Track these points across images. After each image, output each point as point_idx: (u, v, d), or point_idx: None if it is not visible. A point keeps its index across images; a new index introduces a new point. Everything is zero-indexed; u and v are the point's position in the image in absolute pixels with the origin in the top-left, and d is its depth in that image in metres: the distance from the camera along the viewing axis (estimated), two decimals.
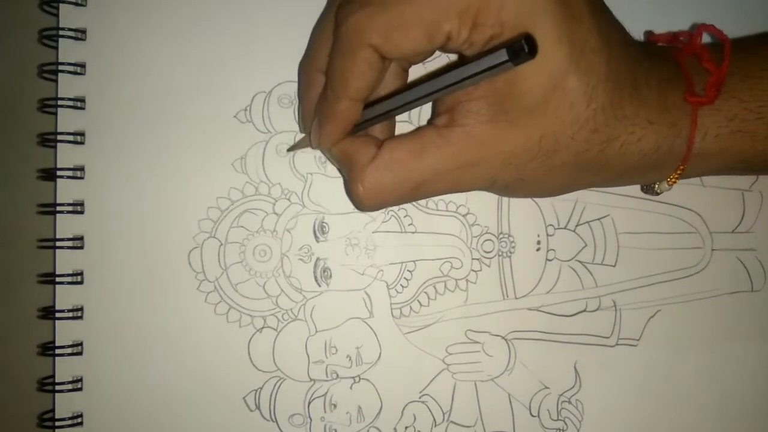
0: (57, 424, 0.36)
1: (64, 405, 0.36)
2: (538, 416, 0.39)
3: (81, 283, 0.36)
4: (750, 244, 0.41)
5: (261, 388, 0.37)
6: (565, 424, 0.39)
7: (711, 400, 0.40)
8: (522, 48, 0.27)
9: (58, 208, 0.36)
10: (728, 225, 0.41)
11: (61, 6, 0.37)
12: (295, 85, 0.38)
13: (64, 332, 0.36)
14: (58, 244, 0.36)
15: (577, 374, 0.40)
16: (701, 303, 0.41)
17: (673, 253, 0.41)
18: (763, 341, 0.41)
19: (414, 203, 0.39)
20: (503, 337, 0.39)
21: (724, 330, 0.41)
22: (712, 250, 0.41)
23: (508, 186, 0.33)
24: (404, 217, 0.39)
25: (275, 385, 0.37)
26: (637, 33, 0.41)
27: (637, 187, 0.39)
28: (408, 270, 0.39)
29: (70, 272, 0.36)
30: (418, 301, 0.39)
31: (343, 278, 0.38)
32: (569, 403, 0.39)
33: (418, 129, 0.32)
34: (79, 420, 0.36)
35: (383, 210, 0.38)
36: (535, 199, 0.40)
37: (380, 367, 0.38)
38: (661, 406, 0.40)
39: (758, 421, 0.41)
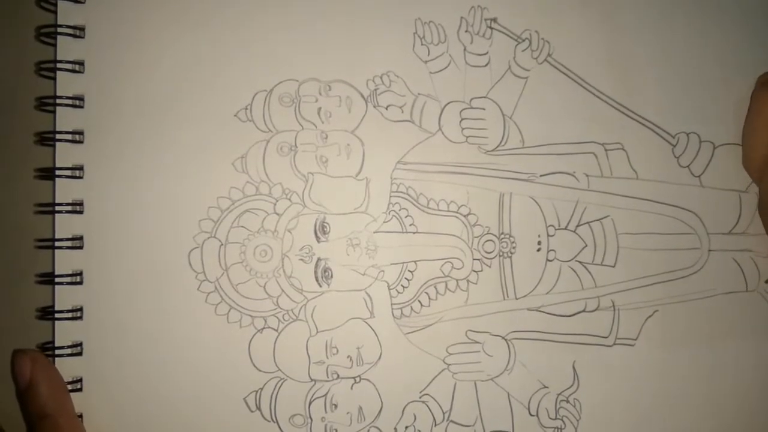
0: None
1: None
2: (537, 415, 0.39)
3: (80, 283, 0.36)
4: (746, 245, 0.42)
5: (262, 389, 0.37)
6: (563, 423, 0.40)
7: (707, 399, 0.41)
8: None
9: (57, 208, 0.36)
10: (725, 226, 0.42)
11: (60, 3, 0.36)
12: (296, 83, 0.38)
13: (64, 333, 0.35)
14: (57, 244, 0.35)
15: (575, 374, 0.40)
16: (698, 303, 0.41)
17: (671, 254, 0.41)
18: (758, 340, 0.42)
19: (415, 203, 0.39)
20: (503, 337, 0.39)
21: (720, 329, 0.41)
22: (709, 250, 0.41)
23: None
24: (405, 217, 0.39)
25: (276, 385, 0.37)
26: (645, 39, 0.41)
27: (637, 187, 0.40)
28: (409, 270, 0.39)
29: (70, 272, 0.36)
30: (418, 301, 0.39)
31: (344, 278, 0.38)
32: (567, 402, 0.40)
33: None
34: None
35: (384, 210, 0.38)
36: (537, 200, 0.40)
37: (381, 367, 0.38)
38: (657, 405, 0.40)
39: (755, 420, 0.41)
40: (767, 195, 0.40)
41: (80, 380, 0.35)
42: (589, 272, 0.40)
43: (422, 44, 0.39)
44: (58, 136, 0.36)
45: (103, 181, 0.36)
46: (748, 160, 0.41)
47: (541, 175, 0.40)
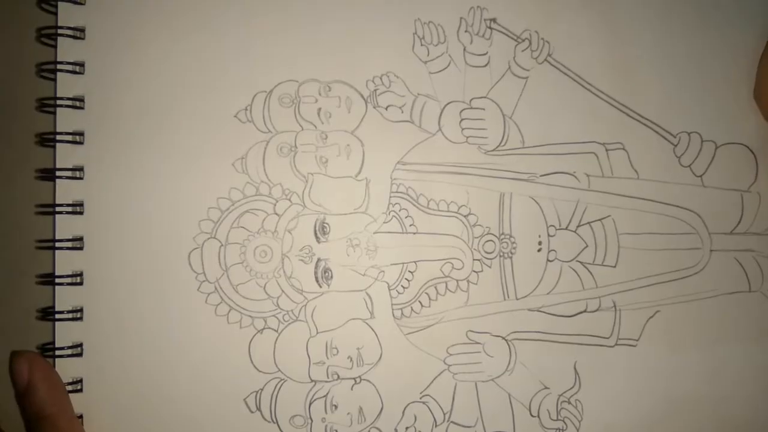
0: None
1: None
2: (538, 416, 0.39)
3: (81, 284, 0.36)
4: (748, 245, 0.42)
5: (262, 390, 0.37)
6: (565, 424, 0.39)
7: (710, 400, 0.41)
8: None
9: (58, 209, 0.36)
10: (727, 226, 0.42)
11: (60, 4, 0.36)
12: (295, 84, 0.38)
13: (64, 333, 0.35)
14: (57, 244, 0.36)
15: (576, 374, 0.40)
16: (700, 303, 0.41)
17: (673, 254, 0.41)
18: (760, 341, 0.41)
19: (415, 204, 0.39)
20: (504, 338, 0.39)
21: (723, 330, 0.41)
22: (711, 250, 0.41)
23: None
24: (405, 217, 0.39)
25: (276, 386, 0.37)
26: (645, 39, 0.41)
27: (638, 187, 0.40)
28: (409, 271, 0.39)
29: (70, 273, 0.36)
30: (419, 301, 0.39)
31: (344, 279, 0.38)
32: (569, 403, 0.40)
33: None
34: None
35: (384, 210, 0.38)
36: (537, 200, 0.40)
37: (381, 367, 0.38)
38: (659, 406, 0.40)
39: (756, 420, 0.41)
40: None
41: (80, 381, 0.36)
42: (590, 272, 0.40)
43: (422, 44, 0.39)
44: (58, 137, 0.36)
45: (104, 182, 0.36)
46: (759, 90, 0.41)
47: (541, 175, 0.40)
